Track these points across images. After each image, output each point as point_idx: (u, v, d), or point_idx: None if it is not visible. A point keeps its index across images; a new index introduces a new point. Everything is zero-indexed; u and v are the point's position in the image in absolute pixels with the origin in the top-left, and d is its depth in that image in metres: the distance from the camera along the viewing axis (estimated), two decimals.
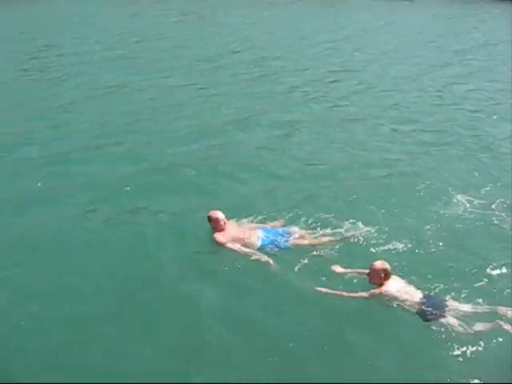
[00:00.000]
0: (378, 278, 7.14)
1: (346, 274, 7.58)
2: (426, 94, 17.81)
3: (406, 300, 6.94)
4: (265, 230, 8.47)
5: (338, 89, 18.08)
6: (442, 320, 6.65)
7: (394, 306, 6.95)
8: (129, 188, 10.41)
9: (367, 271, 7.23)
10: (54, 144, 13.00)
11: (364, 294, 7.10)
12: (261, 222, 8.85)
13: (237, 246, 8.16)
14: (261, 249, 8.15)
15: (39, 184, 10.61)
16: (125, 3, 37.12)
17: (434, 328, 6.59)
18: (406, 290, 7.08)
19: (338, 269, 7.66)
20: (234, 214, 8.92)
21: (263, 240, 8.24)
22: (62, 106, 15.85)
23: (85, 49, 23.29)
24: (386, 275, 7.14)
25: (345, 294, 7.14)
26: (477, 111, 16.04)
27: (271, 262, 7.84)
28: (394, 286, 7.14)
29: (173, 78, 19.02)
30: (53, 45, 24.09)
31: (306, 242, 8.28)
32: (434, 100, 17.12)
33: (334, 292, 7.17)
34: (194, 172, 11.21)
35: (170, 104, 16.02)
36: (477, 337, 6.42)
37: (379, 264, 7.19)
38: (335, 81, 19.09)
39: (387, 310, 6.94)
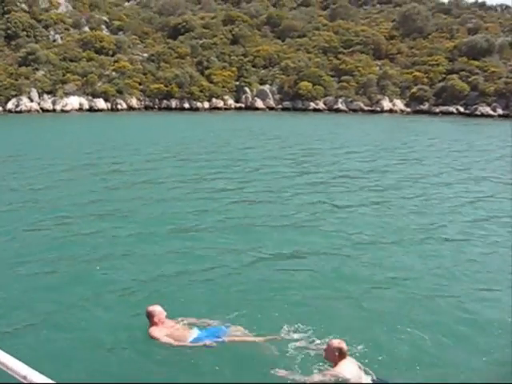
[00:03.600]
0: (333, 355, 7.32)
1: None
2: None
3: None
4: (200, 329, 8.59)
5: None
6: None
7: None
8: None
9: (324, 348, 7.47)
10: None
11: (321, 378, 7.18)
12: (201, 323, 8.85)
13: (168, 340, 8.23)
14: (193, 342, 8.23)
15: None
16: None
17: None
18: (358, 374, 7.22)
19: (281, 373, 7.43)
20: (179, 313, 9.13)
21: (197, 335, 8.36)
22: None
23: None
24: (341, 354, 7.29)
25: (305, 378, 7.21)
26: None
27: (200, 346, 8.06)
28: (348, 367, 7.26)
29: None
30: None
31: (241, 338, 8.32)
32: None
33: (294, 377, 7.25)
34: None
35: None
36: None
37: (336, 342, 7.36)
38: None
39: None
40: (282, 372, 7.38)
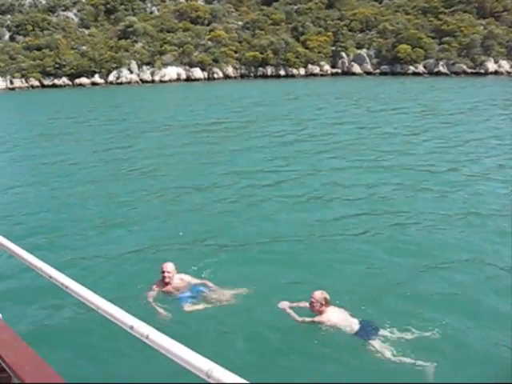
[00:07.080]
0: (319, 306, 7.66)
1: (291, 307, 8.06)
2: None
3: (345, 326, 7.54)
4: (196, 286, 8.84)
5: None
6: (373, 343, 7.21)
7: (333, 331, 7.52)
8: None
9: (307, 304, 7.82)
10: None
11: (310, 320, 7.69)
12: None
13: (153, 304, 8.39)
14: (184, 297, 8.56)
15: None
16: None
17: (368, 347, 7.17)
18: (344, 317, 7.67)
19: (283, 305, 8.10)
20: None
21: (187, 292, 8.62)
22: None
23: None
24: (326, 303, 7.68)
25: (298, 318, 7.79)
26: None
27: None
28: (335, 313, 7.71)
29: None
30: None
31: (218, 296, 8.58)
32: None
33: (292, 314, 7.85)
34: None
35: None
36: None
37: (319, 293, 7.70)
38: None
39: (327, 334, 7.50)
40: (284, 304, 8.07)
